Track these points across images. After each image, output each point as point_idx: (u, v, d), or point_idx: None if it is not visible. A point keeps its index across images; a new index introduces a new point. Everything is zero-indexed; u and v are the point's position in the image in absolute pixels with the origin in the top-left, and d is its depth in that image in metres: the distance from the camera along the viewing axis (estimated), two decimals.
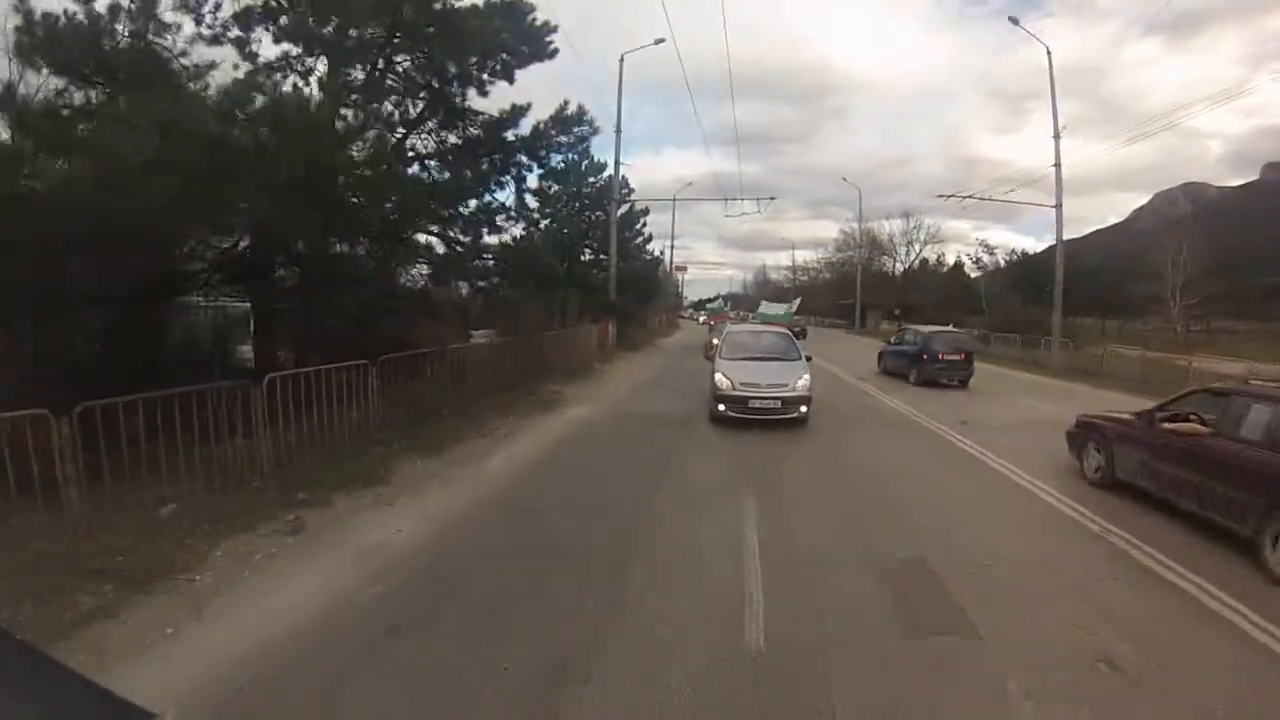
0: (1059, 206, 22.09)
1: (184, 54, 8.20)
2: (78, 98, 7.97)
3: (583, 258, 26.62)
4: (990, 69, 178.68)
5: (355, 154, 7.06)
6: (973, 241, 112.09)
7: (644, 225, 32.55)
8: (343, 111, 7.53)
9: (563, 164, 15.52)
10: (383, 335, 9.40)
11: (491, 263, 11.36)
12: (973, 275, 59.67)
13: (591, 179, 25.38)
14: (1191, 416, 6.10)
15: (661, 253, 44.33)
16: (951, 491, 6.91)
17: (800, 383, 9.89)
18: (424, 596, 4.16)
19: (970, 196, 26.57)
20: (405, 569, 4.58)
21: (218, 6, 8.17)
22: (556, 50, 9.09)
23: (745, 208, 35.50)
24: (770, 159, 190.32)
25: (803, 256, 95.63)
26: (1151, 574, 4.81)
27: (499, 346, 12.09)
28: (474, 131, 8.57)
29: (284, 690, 3.16)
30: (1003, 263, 58.69)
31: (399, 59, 8.17)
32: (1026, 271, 57.44)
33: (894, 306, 45.78)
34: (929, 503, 6.42)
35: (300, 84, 8.46)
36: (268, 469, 5.94)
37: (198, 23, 8.36)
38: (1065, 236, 23.64)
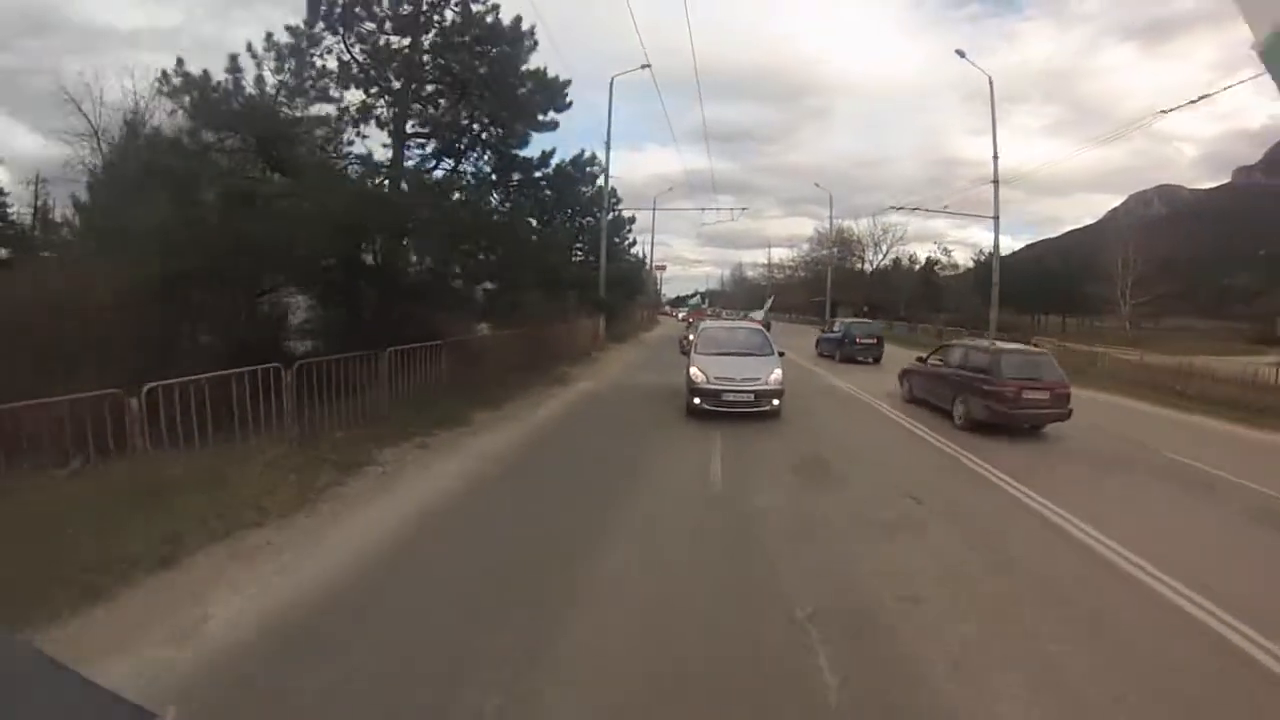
0: (996, 219, 25.44)
1: (289, 105, 10.89)
2: (207, 136, 10.69)
3: (574, 259, 29.45)
4: (966, 71, 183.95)
5: (451, 200, 9.94)
6: (952, 240, 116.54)
7: (630, 230, 35.50)
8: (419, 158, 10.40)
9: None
10: (435, 325, 12.14)
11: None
12: (943, 275, 63.74)
13: (584, 189, 28.15)
14: (932, 359, 12.40)
15: (642, 251, 47.13)
16: (837, 415, 11.63)
17: (773, 376, 10.33)
18: (517, 470, 7.14)
19: (917, 209, 29.95)
20: (501, 461, 7.48)
21: (319, 70, 10.81)
22: (571, 103, 11.93)
23: (720, 215, 38.54)
24: (749, 158, 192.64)
25: (780, 254, 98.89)
26: (924, 441, 8.79)
27: (518, 336, 14.87)
28: (517, 175, 11.36)
29: (457, 511, 5.98)
30: (972, 263, 62.85)
31: (463, 118, 10.95)
32: (987, 273, 61.49)
33: (862, 304, 49.11)
34: (823, 422, 10.63)
35: (378, 130, 11.20)
36: (387, 413, 8.72)
37: (297, 78, 10.98)
38: (1041, 236, 27.72)
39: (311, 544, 4.95)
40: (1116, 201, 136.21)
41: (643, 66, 24.45)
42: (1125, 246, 50.77)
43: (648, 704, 3.12)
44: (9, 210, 35.72)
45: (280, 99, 10.65)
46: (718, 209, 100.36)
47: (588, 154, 12.98)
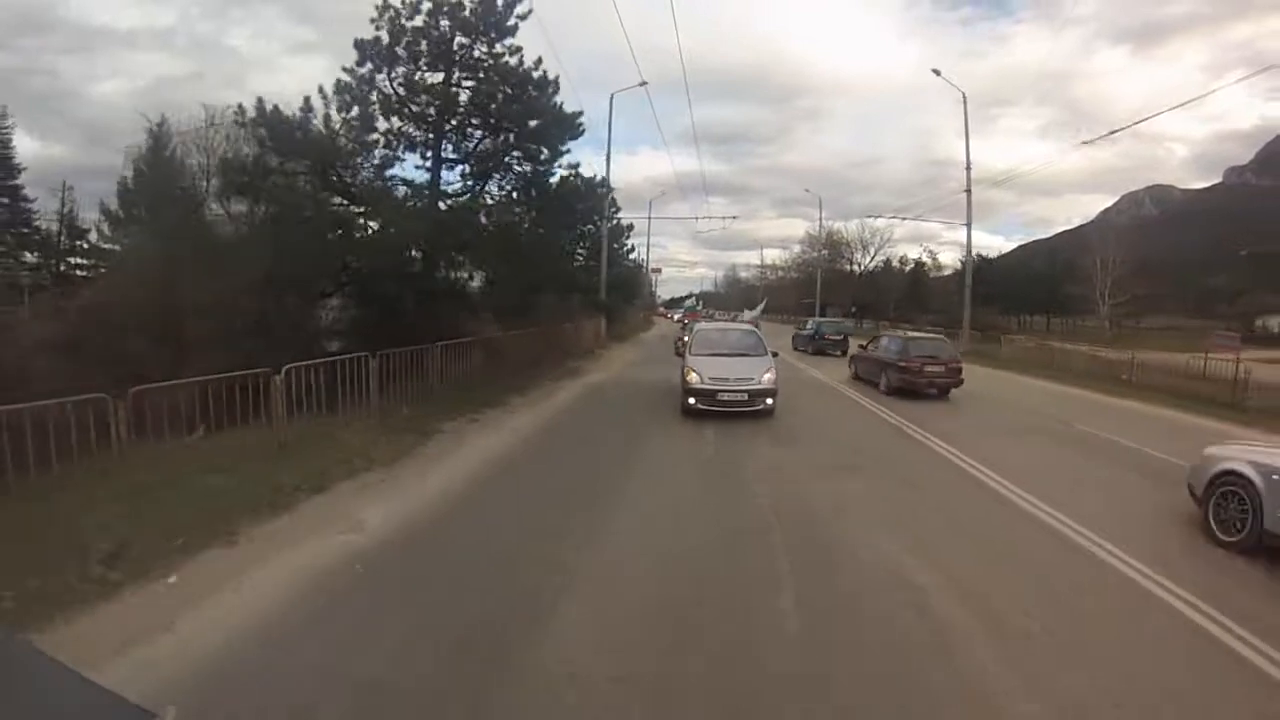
0: (969, 225, 27.55)
1: (347, 136, 12.82)
2: (271, 160, 12.60)
3: (576, 263, 31.52)
4: (959, 73, 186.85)
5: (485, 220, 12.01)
6: (946, 240, 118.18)
7: (628, 237, 37.66)
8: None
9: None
10: (461, 325, 14.09)
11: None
12: (933, 276, 66.04)
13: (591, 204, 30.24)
14: (870, 346, 16.26)
15: (639, 255, 49.15)
16: (802, 395, 13.56)
17: (766, 376, 10.70)
18: (554, 433, 9.29)
19: (894, 217, 32.10)
20: (540, 429, 9.54)
21: (369, 108, 12.76)
22: (583, 131, 13.94)
23: (712, 223, 40.67)
24: (743, 159, 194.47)
25: (773, 255, 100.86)
26: (861, 407, 11.40)
27: (533, 335, 16.83)
28: (533, 191, 13.36)
29: (517, 459, 7.99)
30: (959, 264, 65.12)
31: (495, 148, 12.97)
32: (972, 275, 63.77)
33: (850, 305, 51.21)
34: (790, 392, 12.31)
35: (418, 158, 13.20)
36: (439, 395, 10.66)
37: (358, 111, 12.90)
38: (1034, 237, 29.46)
39: (417, 480, 6.90)
40: (1109, 202, 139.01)
41: (640, 84, 26.47)
42: (1105, 249, 53.01)
43: (673, 548, 5.13)
44: (34, 215, 37.41)
45: (339, 131, 12.63)
46: (711, 218, 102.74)
47: (598, 176, 15.02)
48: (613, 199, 30.64)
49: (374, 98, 12.53)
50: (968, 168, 27.12)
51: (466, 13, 12.91)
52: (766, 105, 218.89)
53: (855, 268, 62.40)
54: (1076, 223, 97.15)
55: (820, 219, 55.16)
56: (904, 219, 33.58)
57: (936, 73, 27.31)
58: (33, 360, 9.55)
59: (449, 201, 12.90)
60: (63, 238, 35.35)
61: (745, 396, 10.46)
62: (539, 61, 13.08)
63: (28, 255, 35.06)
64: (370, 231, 11.77)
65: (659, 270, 67.91)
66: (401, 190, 12.86)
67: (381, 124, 13.06)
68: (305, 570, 4.57)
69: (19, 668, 1.13)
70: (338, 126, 12.60)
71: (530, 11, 12.94)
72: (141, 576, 4.24)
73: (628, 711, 3.14)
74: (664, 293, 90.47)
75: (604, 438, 9.30)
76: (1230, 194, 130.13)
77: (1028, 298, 60.09)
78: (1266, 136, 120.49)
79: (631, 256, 43.02)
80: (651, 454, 8.27)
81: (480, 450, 8.24)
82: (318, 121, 12.32)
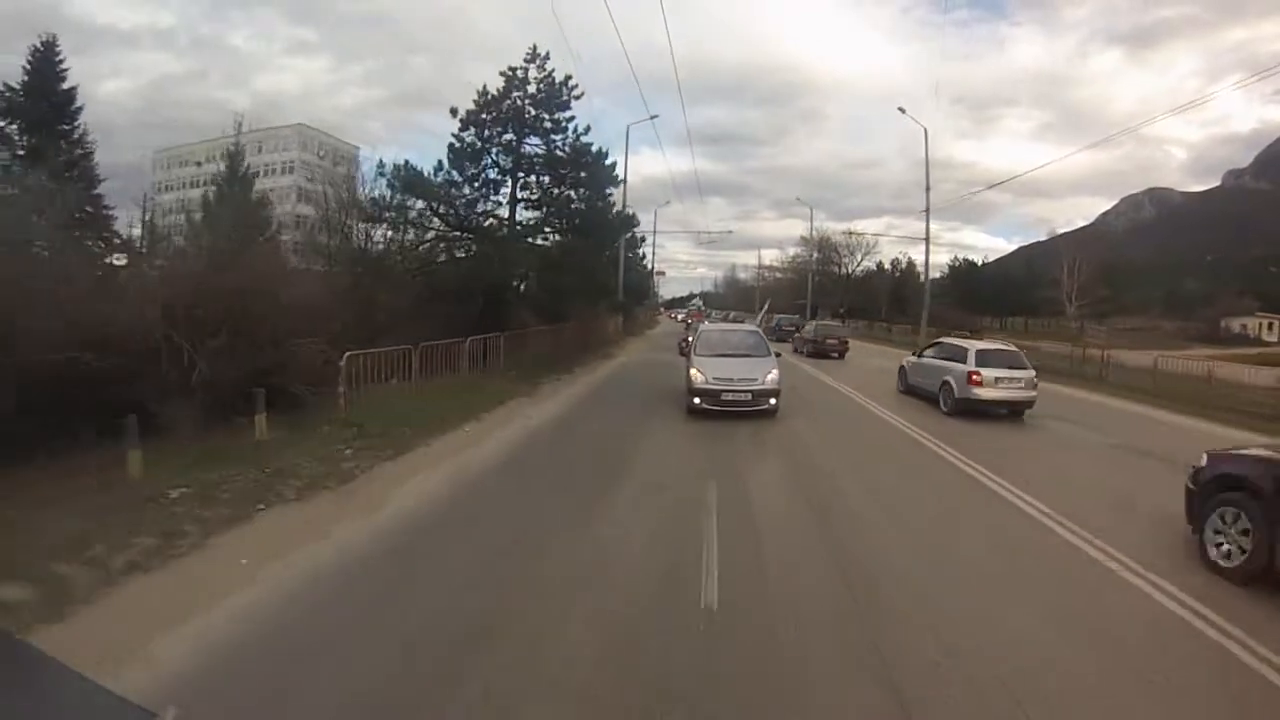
0: (927, 239, 32.97)
1: (457, 185, 18.23)
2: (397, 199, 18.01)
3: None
4: (955, 76, 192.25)
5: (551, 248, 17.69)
6: (945, 242, 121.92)
7: (640, 247, 43.47)
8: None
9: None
10: (523, 319, 19.54)
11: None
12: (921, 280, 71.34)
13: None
14: (806, 332, 26.67)
15: (647, 260, 54.63)
16: (800, 385, 17.65)
17: (770, 377, 11.05)
18: (610, 386, 14.97)
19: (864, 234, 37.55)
20: (602, 383, 15.23)
21: (465, 163, 18.21)
22: (621, 181, 19.47)
23: (716, 225, 46.10)
24: (742, 160, 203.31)
25: (771, 255, 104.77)
26: (813, 376, 15.48)
27: (575, 328, 22.22)
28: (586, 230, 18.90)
29: (591, 398, 13.58)
30: (948, 268, 70.96)
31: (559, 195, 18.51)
32: (957, 280, 69.82)
33: (839, 307, 56.37)
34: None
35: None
36: (522, 368, 16.06)
37: (460, 172, 18.35)
38: (1032, 239, 34.75)
39: (538, 408, 12.22)
40: (1109, 204, 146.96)
41: (651, 118, 31.87)
42: (1074, 256, 58.29)
43: (686, 472, 8.35)
44: (113, 219, 42.12)
45: (448, 179, 18.07)
46: (710, 233, 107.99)
47: (628, 210, 20.64)
48: (631, 214, 36.24)
49: (469, 154, 18.00)
50: (927, 188, 32.40)
51: (535, 90, 18.38)
52: (765, 107, 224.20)
53: (846, 271, 67.24)
54: (1078, 224, 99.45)
55: (811, 226, 60.14)
56: (876, 237, 38.70)
57: (902, 110, 32.56)
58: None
59: (519, 229, 18.44)
60: (143, 245, 40.59)
61: (749, 396, 10.91)
62: (588, 129, 18.65)
63: (116, 260, 40.18)
64: (469, 253, 17.31)
65: (663, 273, 73.21)
66: (489, 222, 18.33)
67: (471, 171, 18.51)
68: (515, 433, 10.01)
69: (19, 668, 1.16)
70: (447, 177, 18.04)
71: (582, 94, 18.50)
72: (451, 429, 9.58)
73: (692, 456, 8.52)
74: (665, 293, 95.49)
75: (637, 391, 14.71)
76: (1228, 197, 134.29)
77: (1009, 300, 65.48)
78: (1266, 140, 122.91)
79: (644, 262, 48.67)
80: (670, 401, 13.60)
81: (574, 390, 13.91)
82: (429, 172, 17.80)
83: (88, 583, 4.02)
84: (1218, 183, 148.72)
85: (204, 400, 7.83)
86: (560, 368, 16.42)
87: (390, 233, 17.75)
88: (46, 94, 33.06)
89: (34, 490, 5.32)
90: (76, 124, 33.53)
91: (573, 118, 18.50)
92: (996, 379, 12.20)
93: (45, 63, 33.72)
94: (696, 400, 11.00)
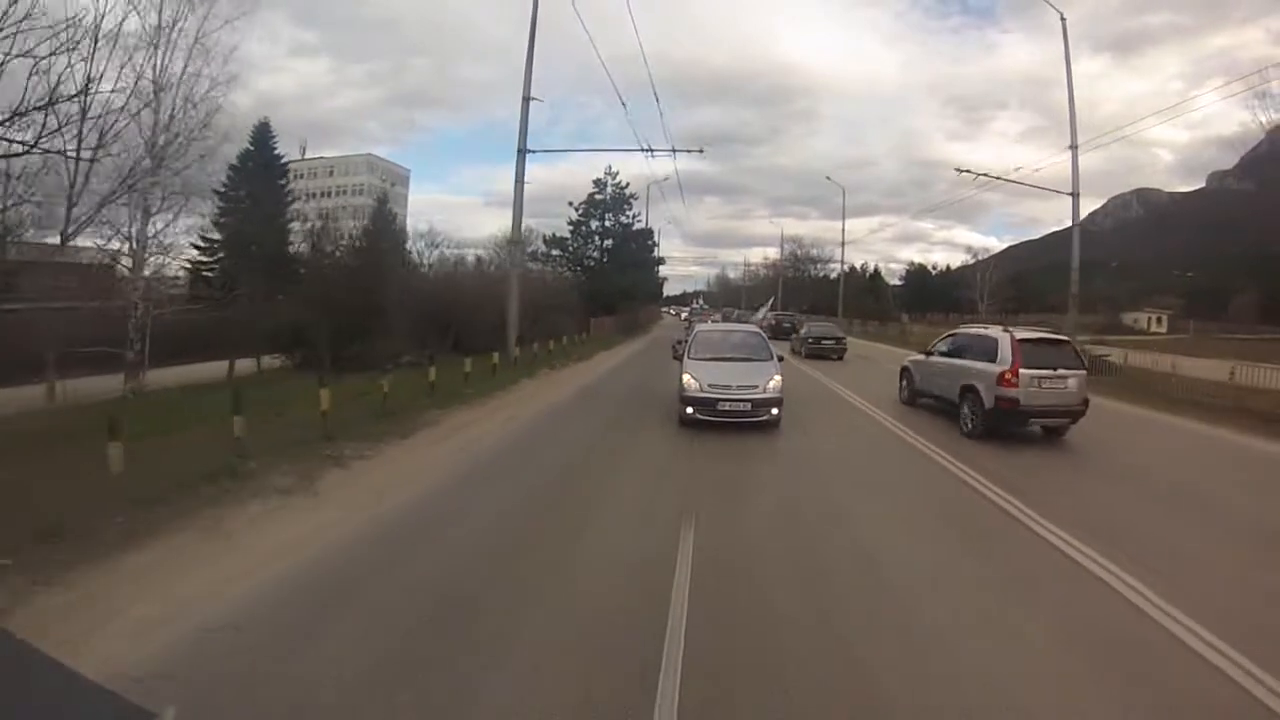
0: (843, 245, 51.78)
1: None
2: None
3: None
4: (948, 78, 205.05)
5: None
6: (937, 240, 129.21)
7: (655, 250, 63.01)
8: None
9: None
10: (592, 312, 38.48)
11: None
12: (891, 282, 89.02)
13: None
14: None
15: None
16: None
17: (771, 384, 10.43)
18: (649, 347, 34.33)
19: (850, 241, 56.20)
20: (643, 349, 34.49)
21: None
22: (658, 253, 39.14)
23: (704, 221, 65.99)
24: (736, 159, 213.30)
25: (761, 255, 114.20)
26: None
27: (631, 316, 41.22)
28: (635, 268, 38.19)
29: (639, 352, 32.48)
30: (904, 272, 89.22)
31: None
32: (912, 284, 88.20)
33: (805, 306, 73.41)
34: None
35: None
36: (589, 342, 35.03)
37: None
38: (1023, 239, 52.86)
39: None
40: (1098, 204, 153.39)
41: (654, 154, 50.82)
42: (989, 264, 75.18)
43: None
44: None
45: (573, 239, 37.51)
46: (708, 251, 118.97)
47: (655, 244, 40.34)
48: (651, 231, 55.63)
49: (581, 231, 37.19)
50: (841, 215, 51.07)
51: (606, 196, 37.58)
52: (760, 107, 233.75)
53: (815, 275, 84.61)
54: (1067, 224, 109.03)
55: (781, 240, 76.66)
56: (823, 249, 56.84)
57: (829, 178, 50.62)
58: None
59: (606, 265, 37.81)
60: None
61: (748, 406, 10.20)
62: (646, 221, 38.19)
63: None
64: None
65: (665, 279, 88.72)
66: (590, 262, 37.83)
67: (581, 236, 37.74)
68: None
69: (18, 668, 1.16)
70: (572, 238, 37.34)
71: (636, 197, 38.07)
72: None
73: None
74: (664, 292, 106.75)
75: (665, 357, 19.43)
76: (1212, 198, 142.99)
77: (944, 300, 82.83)
78: (1251, 142, 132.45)
79: (660, 268, 67.70)
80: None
81: (623, 353, 32.23)
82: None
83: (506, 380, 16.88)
84: (1203, 183, 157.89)
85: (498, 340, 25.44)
86: (636, 333, 35.23)
87: (543, 266, 36.96)
88: (264, 162, 42.56)
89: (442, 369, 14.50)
90: (283, 180, 43.81)
91: (636, 214, 37.98)
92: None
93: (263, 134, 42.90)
94: (689, 410, 10.34)
